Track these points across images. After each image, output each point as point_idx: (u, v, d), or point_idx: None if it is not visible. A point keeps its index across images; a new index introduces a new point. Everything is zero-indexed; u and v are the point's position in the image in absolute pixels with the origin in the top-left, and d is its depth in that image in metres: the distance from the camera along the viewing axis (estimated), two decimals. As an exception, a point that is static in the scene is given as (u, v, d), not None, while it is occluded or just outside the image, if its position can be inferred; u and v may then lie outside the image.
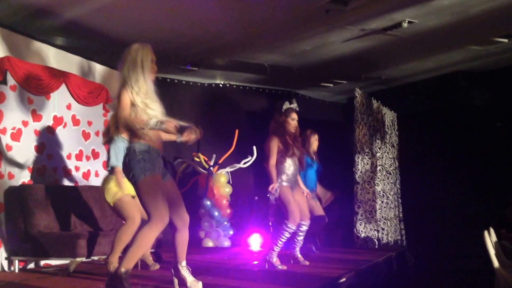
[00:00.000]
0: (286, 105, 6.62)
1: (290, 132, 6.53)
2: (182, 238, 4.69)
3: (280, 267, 6.29)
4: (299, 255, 6.79)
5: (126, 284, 4.32)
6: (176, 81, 10.64)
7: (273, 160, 6.35)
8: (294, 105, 6.68)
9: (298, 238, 6.69)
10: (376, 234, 9.36)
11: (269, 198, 6.37)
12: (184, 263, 4.69)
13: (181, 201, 4.70)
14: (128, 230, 5.60)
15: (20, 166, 6.84)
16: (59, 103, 7.55)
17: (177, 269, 4.69)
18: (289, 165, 6.43)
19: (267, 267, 6.37)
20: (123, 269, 4.34)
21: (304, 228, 6.59)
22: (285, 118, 6.52)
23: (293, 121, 6.55)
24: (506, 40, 8.66)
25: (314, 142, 7.95)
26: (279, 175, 6.37)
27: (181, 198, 4.72)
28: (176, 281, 4.77)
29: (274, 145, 6.39)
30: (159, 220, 4.33)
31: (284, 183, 6.36)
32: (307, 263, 6.72)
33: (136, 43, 4.58)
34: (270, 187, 6.26)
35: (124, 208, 5.84)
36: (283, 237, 6.32)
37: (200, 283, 4.67)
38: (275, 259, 6.37)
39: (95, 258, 6.44)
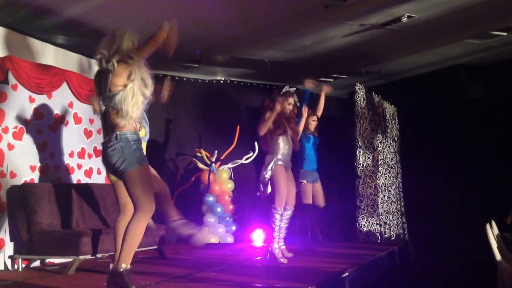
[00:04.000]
0: (286, 88, 6.88)
1: (286, 114, 6.68)
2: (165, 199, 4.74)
3: (282, 260, 6.32)
4: (283, 246, 6.79)
5: (126, 280, 4.33)
6: (177, 78, 10.64)
7: (265, 124, 6.44)
8: (293, 89, 6.94)
9: (282, 225, 6.64)
10: (378, 228, 9.38)
11: (263, 176, 6.45)
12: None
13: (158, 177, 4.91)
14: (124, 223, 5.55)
15: (22, 164, 6.86)
16: (60, 101, 7.57)
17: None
18: (284, 144, 6.55)
19: (268, 257, 6.41)
20: (123, 265, 4.35)
21: (288, 213, 6.61)
22: (282, 100, 6.64)
23: (289, 105, 6.74)
24: (505, 34, 8.67)
25: (312, 122, 7.88)
26: (275, 154, 6.48)
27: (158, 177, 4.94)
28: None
29: (267, 114, 6.46)
30: (148, 209, 4.39)
31: (279, 162, 6.46)
32: (290, 254, 6.71)
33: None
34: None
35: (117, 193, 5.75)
36: (276, 220, 6.43)
37: None
38: (277, 251, 6.42)
39: (99, 255, 6.47)
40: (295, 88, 6.88)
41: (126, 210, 5.55)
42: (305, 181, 7.54)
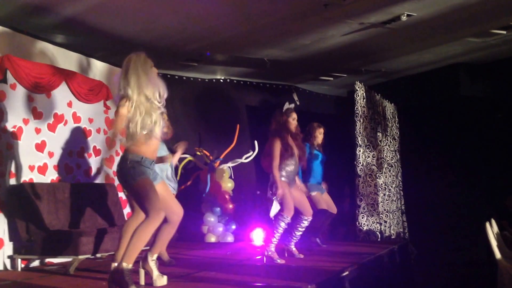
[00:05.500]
0: (286, 106, 6.83)
1: (292, 132, 6.72)
2: (167, 232, 4.80)
3: (278, 261, 6.33)
4: (294, 249, 6.85)
5: (127, 279, 4.40)
6: (176, 77, 10.64)
7: (276, 163, 6.49)
8: (292, 105, 6.91)
9: (296, 232, 6.80)
10: (379, 227, 9.37)
11: (270, 196, 6.47)
12: (155, 256, 4.79)
13: (173, 198, 4.95)
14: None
15: (21, 164, 6.85)
16: (59, 100, 7.55)
17: (146, 260, 4.75)
18: (290, 163, 6.60)
19: (265, 261, 6.42)
20: (124, 264, 4.44)
21: (305, 223, 6.74)
22: (286, 118, 6.71)
23: (293, 120, 6.76)
24: (504, 32, 8.66)
25: (319, 135, 7.96)
26: (279, 171, 6.50)
27: (173, 196, 5.00)
28: (142, 272, 4.88)
29: (277, 147, 6.54)
30: (156, 215, 4.50)
31: (283, 179, 6.52)
32: (301, 256, 6.78)
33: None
34: (278, 193, 6.39)
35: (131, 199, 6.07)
36: (280, 228, 6.45)
37: (165, 278, 4.82)
38: (273, 253, 6.42)
39: (98, 255, 6.45)
40: (297, 98, 6.90)
41: (140, 213, 5.62)
42: (314, 193, 7.62)
